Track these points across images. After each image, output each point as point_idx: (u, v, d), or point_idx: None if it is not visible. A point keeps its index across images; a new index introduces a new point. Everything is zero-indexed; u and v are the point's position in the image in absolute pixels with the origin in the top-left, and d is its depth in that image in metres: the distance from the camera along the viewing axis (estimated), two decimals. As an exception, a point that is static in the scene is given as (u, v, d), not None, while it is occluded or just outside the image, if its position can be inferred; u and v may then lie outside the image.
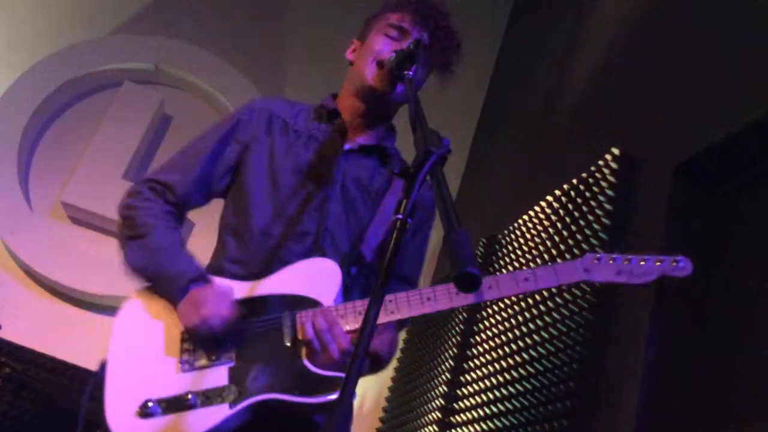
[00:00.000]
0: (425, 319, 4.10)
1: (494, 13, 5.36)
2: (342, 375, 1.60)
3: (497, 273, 3.27)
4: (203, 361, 1.70)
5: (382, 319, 1.67)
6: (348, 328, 1.68)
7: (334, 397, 1.60)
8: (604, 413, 2.20)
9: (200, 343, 1.71)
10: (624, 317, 2.32)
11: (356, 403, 4.47)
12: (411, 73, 1.67)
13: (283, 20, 5.17)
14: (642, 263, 1.72)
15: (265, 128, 1.98)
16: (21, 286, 4.26)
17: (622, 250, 2.41)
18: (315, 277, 1.80)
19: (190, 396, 1.63)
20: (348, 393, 1.10)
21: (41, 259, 4.24)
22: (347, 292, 1.85)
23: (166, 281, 1.78)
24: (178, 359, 1.70)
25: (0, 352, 3.59)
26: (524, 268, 3.04)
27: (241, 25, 5.07)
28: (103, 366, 1.74)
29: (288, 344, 1.68)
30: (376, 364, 1.90)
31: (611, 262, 1.74)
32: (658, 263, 1.72)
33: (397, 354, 4.14)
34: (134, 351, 1.74)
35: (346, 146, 1.96)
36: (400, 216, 1.20)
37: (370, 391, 4.23)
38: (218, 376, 1.67)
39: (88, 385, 1.76)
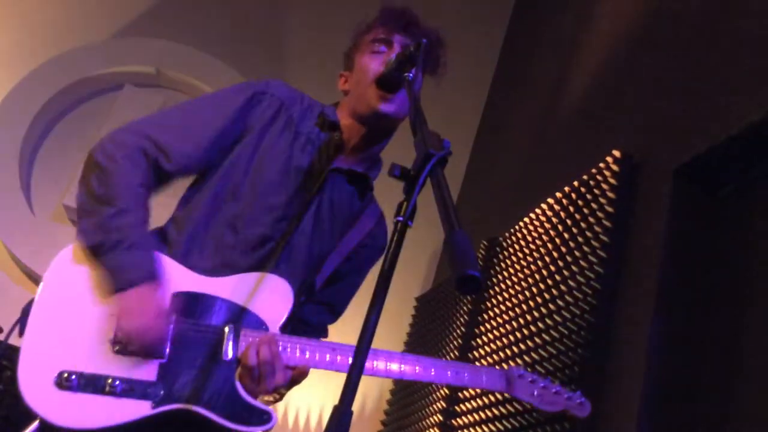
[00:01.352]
0: (427, 321, 4.10)
1: (495, 16, 5.36)
2: (268, 409, 1.59)
3: (498, 276, 3.27)
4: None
5: (319, 364, 1.67)
6: (290, 363, 1.63)
7: (258, 429, 1.58)
8: (607, 414, 2.19)
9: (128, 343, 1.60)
10: (625, 319, 2.32)
11: (358, 404, 4.47)
12: (411, 75, 1.65)
13: (283, 23, 5.18)
14: (554, 393, 1.86)
15: (270, 117, 1.89)
16: (22, 288, 4.27)
17: (624, 252, 2.43)
18: (267, 296, 1.73)
19: (114, 381, 1.54)
20: (347, 401, 1.09)
21: (43, 262, 4.22)
22: (289, 319, 1.79)
23: (114, 270, 1.62)
24: (111, 338, 1.59)
25: (1, 356, 3.59)
26: (525, 270, 3.04)
27: (242, 28, 5.08)
28: (25, 315, 1.63)
29: (225, 360, 1.62)
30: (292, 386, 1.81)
31: (531, 382, 1.85)
32: (567, 399, 1.86)
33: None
34: (65, 313, 1.62)
35: (336, 164, 1.90)
36: (400, 218, 1.19)
37: (372, 392, 4.23)
38: (148, 369, 1.59)
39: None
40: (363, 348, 1.13)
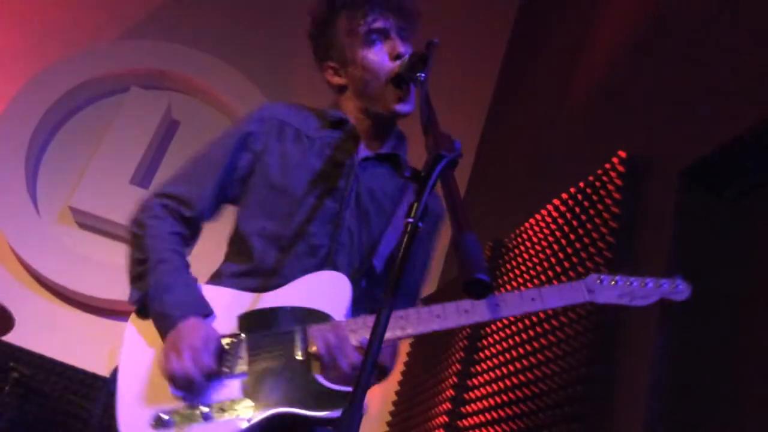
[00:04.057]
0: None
1: (499, 18, 5.36)
2: (349, 390, 1.58)
3: (503, 278, 3.28)
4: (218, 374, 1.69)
5: (392, 335, 1.68)
6: (361, 343, 1.67)
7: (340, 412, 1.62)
8: (613, 417, 2.19)
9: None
10: (631, 321, 2.31)
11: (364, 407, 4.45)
12: (423, 75, 1.65)
13: (288, 24, 5.17)
14: (643, 286, 1.77)
15: (276, 135, 1.93)
16: (29, 290, 4.28)
17: (630, 254, 2.43)
18: (325, 291, 1.79)
19: (204, 408, 1.63)
20: (357, 401, 1.10)
21: (49, 264, 4.26)
22: (357, 305, 1.83)
23: (157, 317, 1.74)
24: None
25: (8, 357, 3.60)
26: (531, 272, 3.04)
27: (247, 29, 5.09)
28: (113, 376, 1.73)
29: (300, 358, 1.68)
30: (382, 374, 1.91)
31: (613, 283, 1.77)
32: (658, 286, 1.77)
33: (405, 357, 4.15)
34: (146, 361, 1.73)
35: (363, 154, 1.92)
36: (410, 219, 1.19)
37: (378, 394, 4.23)
38: (231, 388, 1.66)
39: (99, 392, 1.74)
40: (373, 350, 1.13)
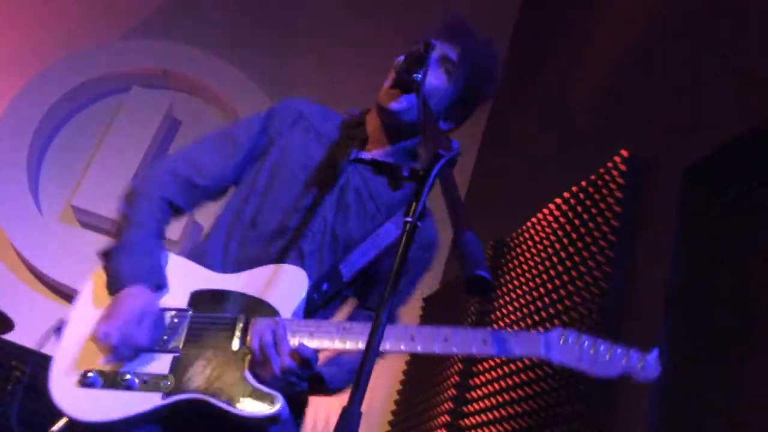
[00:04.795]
0: (435, 321, 4.10)
1: (502, 15, 5.35)
2: (274, 393, 1.58)
3: (505, 277, 3.27)
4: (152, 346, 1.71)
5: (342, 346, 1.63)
6: (298, 346, 1.62)
7: (263, 413, 1.58)
8: (617, 416, 2.19)
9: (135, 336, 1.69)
10: (633, 320, 2.31)
11: (365, 405, 4.45)
12: (419, 76, 1.64)
13: (291, 24, 5.18)
14: (610, 355, 1.55)
15: (290, 124, 1.98)
16: (31, 289, 4.29)
17: (632, 253, 2.42)
18: (281, 285, 1.77)
19: (129, 376, 1.65)
20: (356, 402, 1.09)
21: (51, 263, 4.26)
22: (314, 308, 1.82)
23: (110, 277, 1.78)
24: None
25: (10, 356, 3.60)
26: (533, 271, 3.03)
27: (249, 28, 5.09)
28: (59, 326, 1.78)
29: (234, 349, 1.68)
30: (321, 387, 1.78)
31: (578, 346, 1.57)
32: (627, 359, 1.56)
33: (406, 356, 4.15)
34: (91, 318, 1.74)
35: (358, 154, 1.93)
36: (409, 219, 1.19)
37: (380, 394, 4.23)
38: (162, 363, 1.68)
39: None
40: (372, 348, 1.13)
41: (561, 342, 1.57)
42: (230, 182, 1.98)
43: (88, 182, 4.47)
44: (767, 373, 1.94)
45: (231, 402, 1.61)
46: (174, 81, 4.93)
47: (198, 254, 1.90)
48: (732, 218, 2.25)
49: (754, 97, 2.12)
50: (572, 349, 1.56)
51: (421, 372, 3.97)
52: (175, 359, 1.68)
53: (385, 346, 1.59)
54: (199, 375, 1.65)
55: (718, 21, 2.52)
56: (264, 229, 1.86)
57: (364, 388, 1.11)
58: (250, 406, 1.60)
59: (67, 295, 4.28)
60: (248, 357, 1.66)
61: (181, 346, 1.70)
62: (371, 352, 1.12)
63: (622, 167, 2.58)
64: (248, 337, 1.68)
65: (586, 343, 1.56)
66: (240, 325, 1.70)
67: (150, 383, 1.65)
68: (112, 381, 1.66)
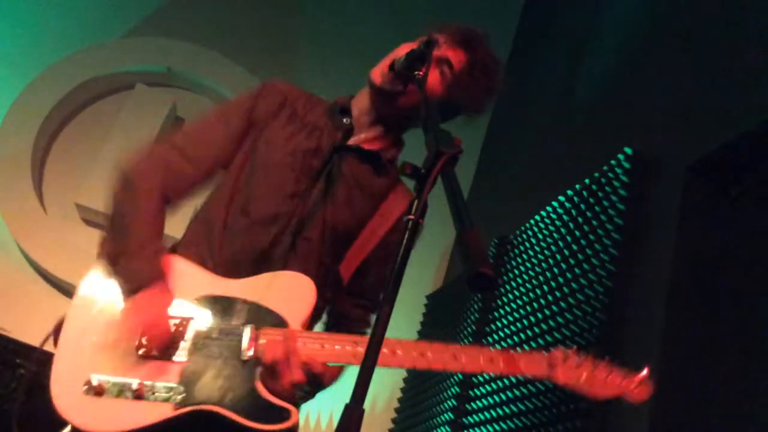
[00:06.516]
0: (438, 319, 4.10)
1: (505, 13, 5.35)
2: (287, 406, 1.58)
3: (509, 274, 3.27)
4: (159, 354, 1.67)
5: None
6: (309, 359, 1.61)
7: (275, 427, 1.58)
8: (618, 413, 2.19)
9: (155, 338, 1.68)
10: (636, 318, 2.31)
11: (369, 403, 4.46)
12: (421, 73, 1.64)
13: (295, 22, 5.18)
14: (606, 375, 1.61)
15: (274, 112, 1.95)
16: (35, 287, 4.29)
17: (636, 250, 2.42)
18: (288, 294, 1.74)
19: (138, 385, 1.61)
20: (359, 399, 1.09)
21: (55, 261, 4.26)
22: (318, 315, 1.82)
23: (121, 275, 1.76)
24: (136, 345, 1.67)
25: (14, 354, 3.61)
26: (537, 269, 3.03)
27: (253, 27, 5.09)
28: (58, 327, 1.73)
29: (244, 359, 1.64)
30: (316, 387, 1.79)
31: (577, 366, 1.63)
32: (624, 380, 1.61)
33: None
34: (95, 324, 1.71)
35: (344, 142, 1.92)
36: (411, 217, 1.18)
37: (383, 391, 4.23)
38: (170, 372, 1.64)
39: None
40: (374, 346, 1.12)
41: (562, 361, 1.63)
42: (220, 166, 1.94)
43: (92, 180, 4.47)
44: (767, 372, 1.94)
45: (245, 414, 1.59)
46: (178, 79, 4.93)
47: (187, 242, 1.88)
48: (736, 215, 2.25)
49: (757, 95, 2.11)
50: (573, 369, 1.63)
51: (425, 372, 3.96)
52: (183, 369, 1.64)
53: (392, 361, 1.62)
54: (210, 385, 1.62)
55: (721, 19, 2.51)
56: (256, 217, 1.83)
57: (367, 385, 1.11)
58: (266, 419, 1.58)
59: (72, 292, 4.28)
60: (258, 368, 1.63)
61: (187, 356, 1.66)
62: (373, 349, 1.12)
63: (626, 165, 2.57)
64: (258, 348, 1.65)
65: (586, 363, 1.62)
66: (247, 335, 1.67)
67: (159, 394, 1.61)
68: (119, 390, 1.60)
